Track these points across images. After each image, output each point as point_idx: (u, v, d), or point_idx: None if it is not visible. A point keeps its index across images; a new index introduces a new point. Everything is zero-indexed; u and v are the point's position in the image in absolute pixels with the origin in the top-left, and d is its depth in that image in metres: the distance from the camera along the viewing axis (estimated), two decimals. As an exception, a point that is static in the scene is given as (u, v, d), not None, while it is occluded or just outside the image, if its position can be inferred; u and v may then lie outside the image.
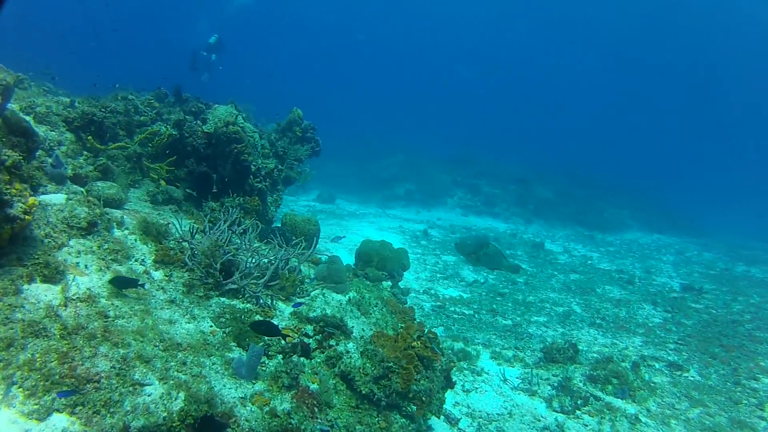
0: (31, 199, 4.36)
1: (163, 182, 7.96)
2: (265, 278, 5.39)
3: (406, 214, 24.26)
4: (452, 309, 11.85)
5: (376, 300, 6.50)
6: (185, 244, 5.53)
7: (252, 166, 8.16)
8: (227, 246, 5.43)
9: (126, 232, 5.66)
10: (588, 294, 14.83)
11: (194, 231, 5.66)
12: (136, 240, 5.58)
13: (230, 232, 5.67)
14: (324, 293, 6.04)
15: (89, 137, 7.23)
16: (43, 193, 6.20)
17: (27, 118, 7.23)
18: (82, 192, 6.23)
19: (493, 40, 62.50)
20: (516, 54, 63.36)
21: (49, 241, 4.77)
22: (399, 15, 62.55)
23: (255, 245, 6.42)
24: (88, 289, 4.45)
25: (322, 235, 12.24)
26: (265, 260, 5.76)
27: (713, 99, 58.76)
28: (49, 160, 6.59)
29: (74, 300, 4.29)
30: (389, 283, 7.30)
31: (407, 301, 7.82)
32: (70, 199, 5.28)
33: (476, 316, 11.74)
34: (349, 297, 6.20)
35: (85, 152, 7.36)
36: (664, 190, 33.00)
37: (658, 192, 32.00)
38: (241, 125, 8.16)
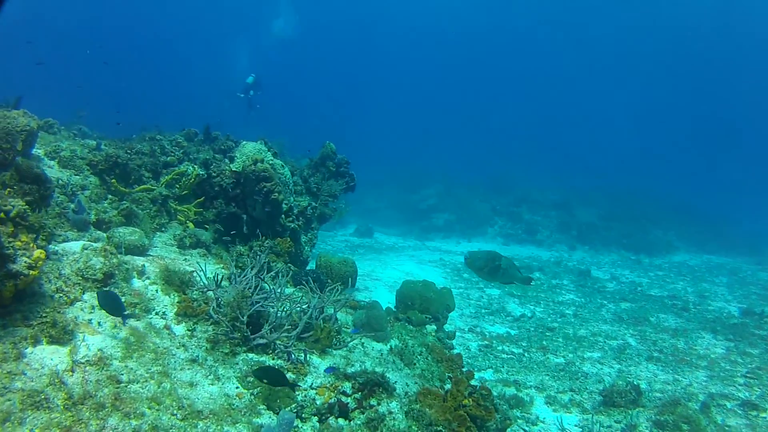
0: (37, 252, 3.93)
1: (190, 225, 7.57)
2: (297, 330, 4.84)
3: (446, 245, 23.55)
4: (500, 348, 11.06)
5: (420, 347, 5.87)
6: (210, 293, 5.03)
7: (284, 205, 7.71)
8: (255, 295, 4.91)
9: (147, 282, 5.21)
10: (642, 324, 13.80)
11: (220, 279, 5.17)
12: (157, 290, 5.11)
13: (258, 278, 5.16)
14: (363, 343, 5.45)
15: (113, 180, 6.89)
16: (64, 241, 5.84)
17: (52, 162, 6.96)
18: (104, 238, 5.84)
19: (527, 58, 61.91)
20: (549, 72, 62.61)
21: (60, 297, 4.33)
22: (431, 44, 62.78)
23: (286, 292, 5.90)
24: (99, 350, 3.96)
25: (361, 272, 11.70)
26: (298, 309, 5.21)
27: (760, 107, 56.40)
28: (72, 206, 6.25)
29: (83, 363, 3.81)
30: (434, 326, 6.67)
31: (454, 345, 7.15)
32: (86, 249, 4.86)
33: (526, 354, 10.92)
34: (391, 346, 5.59)
35: (110, 196, 7.03)
36: (711, 206, 31.37)
37: (705, 209, 30.43)
38: (270, 162, 7.75)
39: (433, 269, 17.40)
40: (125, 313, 4.21)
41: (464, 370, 5.96)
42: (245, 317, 4.63)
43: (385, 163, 35.25)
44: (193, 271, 5.57)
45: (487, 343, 11.31)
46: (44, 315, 4.01)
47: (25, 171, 4.57)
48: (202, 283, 5.16)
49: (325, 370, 4.71)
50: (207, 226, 7.83)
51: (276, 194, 7.25)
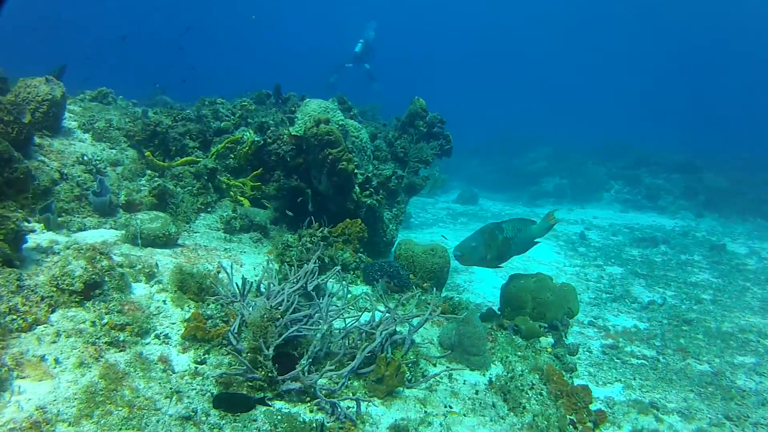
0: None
1: (246, 202, 6.22)
2: (349, 368, 3.28)
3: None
4: (629, 349, 8.84)
5: (532, 376, 4.13)
6: (237, 306, 3.59)
7: (358, 175, 6.14)
8: (290, 312, 3.39)
9: (155, 288, 3.88)
10: (804, 315, 10.84)
11: (250, 286, 3.70)
12: (165, 301, 3.76)
13: (300, 288, 3.63)
14: (451, 374, 3.80)
15: (147, 153, 5.66)
16: (80, 230, 4.68)
17: (85, 135, 5.84)
18: (134, 225, 4.59)
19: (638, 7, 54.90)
20: (665, 22, 55.26)
21: (13, 320, 3.04)
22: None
23: (355, 291, 4.36)
24: (39, 407, 2.62)
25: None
26: (354, 327, 3.66)
27: None
28: (93, 187, 5.08)
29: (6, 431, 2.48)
30: (550, 339, 4.84)
31: (576, 365, 5.28)
32: (69, 248, 3.58)
33: (661, 359, 8.62)
34: (491, 378, 3.90)
35: (149, 172, 5.82)
36: None
37: None
38: (341, 122, 6.18)
39: (544, 242, 15.11)
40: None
41: (593, 411, 4.13)
42: (271, 349, 3.12)
43: (491, 125, 32.75)
44: (219, 271, 4.16)
45: (612, 342, 9.15)
46: (-26, 353, 2.74)
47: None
48: (224, 291, 3.72)
49: (389, 430, 3.11)
50: (267, 204, 6.46)
51: (344, 163, 5.68)
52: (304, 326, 3.40)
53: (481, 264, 4.79)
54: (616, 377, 7.65)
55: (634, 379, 7.78)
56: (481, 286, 9.30)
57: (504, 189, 24.09)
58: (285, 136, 6.07)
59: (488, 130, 31.46)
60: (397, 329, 3.91)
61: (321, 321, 3.54)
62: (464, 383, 3.81)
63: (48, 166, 5.04)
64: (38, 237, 4.34)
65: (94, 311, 3.35)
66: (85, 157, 5.33)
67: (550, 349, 4.77)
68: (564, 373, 4.50)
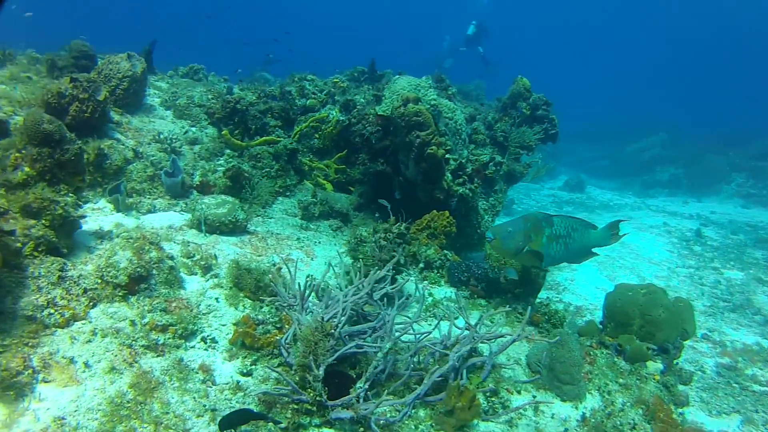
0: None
1: (328, 186, 5.84)
2: (415, 394, 2.76)
3: (672, 206, 18.82)
4: (749, 372, 7.53)
5: (634, 411, 3.40)
6: (293, 312, 3.17)
7: (451, 161, 5.52)
8: (348, 324, 2.91)
9: (209, 284, 3.55)
10: None
11: (313, 287, 3.27)
12: (219, 298, 3.42)
13: (357, 297, 3.14)
14: (537, 406, 3.16)
15: (224, 132, 5.41)
16: (149, 212, 4.50)
17: (167, 113, 5.71)
18: (199, 210, 4.35)
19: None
20: None
21: (51, 314, 2.81)
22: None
23: (440, 294, 3.81)
24: (57, 419, 2.35)
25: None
26: (430, 344, 3.13)
27: None
28: (166, 167, 4.90)
29: (18, 451, 2.22)
30: (659, 365, 4.01)
31: (688, 397, 4.39)
32: (120, 236, 3.32)
33: (791, 388, 7.27)
34: (584, 413, 3.22)
35: (228, 151, 5.58)
36: None
37: None
38: (432, 102, 5.57)
39: (655, 239, 13.48)
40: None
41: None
42: (322, 368, 2.66)
43: (598, 109, 30.43)
44: (279, 267, 3.77)
45: (729, 361, 7.85)
46: (-1, 351, 2.52)
47: (31, 129, 3.10)
48: (283, 292, 3.31)
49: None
50: (352, 189, 6.04)
51: (434, 148, 5.09)
52: (363, 342, 2.90)
53: (515, 256, 3.95)
54: (733, 407, 6.49)
55: (757, 412, 6.57)
56: (584, 287, 8.35)
57: (614, 177, 22.22)
58: (371, 115, 5.59)
59: (599, 113, 29.28)
60: (478, 347, 3.33)
61: (388, 332, 3.02)
62: (552, 417, 3.16)
63: (123, 144, 4.92)
64: (104, 219, 4.20)
65: (138, 308, 3.07)
66: (161, 136, 5.16)
67: (657, 377, 3.95)
68: (673, 407, 3.69)
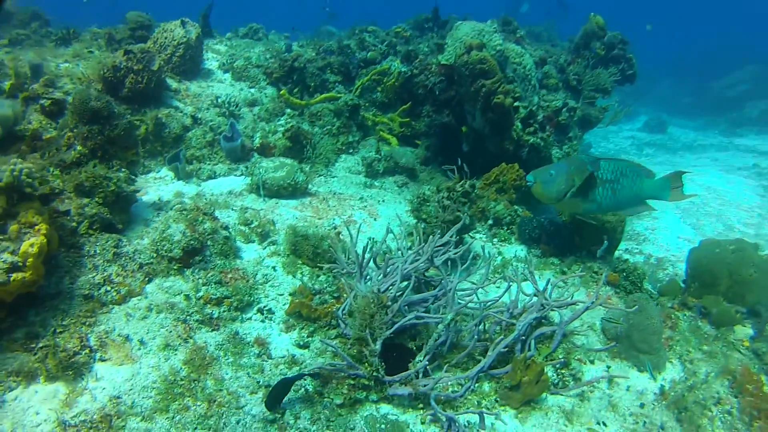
0: (26, 244, 2.41)
1: (393, 141, 5.59)
2: (479, 367, 2.55)
3: (763, 145, 16.79)
4: None
5: (719, 383, 3.01)
6: (352, 281, 3.03)
7: (521, 109, 5.10)
8: (408, 293, 2.71)
9: (267, 251, 3.47)
10: None
11: (374, 252, 3.08)
12: (276, 267, 3.33)
13: (417, 263, 2.92)
14: (611, 379, 2.87)
15: (282, 91, 5.26)
16: (209, 177, 4.49)
17: (225, 76, 5.64)
18: (257, 175, 4.26)
19: None
20: None
21: (108, 291, 2.82)
22: None
23: (506, 253, 3.53)
24: (114, 398, 2.35)
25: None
26: (495, 313, 2.90)
27: None
28: (225, 132, 4.84)
29: (74, 427, 2.23)
30: (750, 330, 3.53)
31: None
32: (174, 207, 3.28)
33: None
34: (662, 386, 2.89)
35: (288, 110, 5.44)
36: None
37: None
38: (498, 48, 5.13)
39: (744, 182, 12.02)
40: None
41: None
42: (379, 342, 2.50)
43: (681, 41, 27.66)
44: (339, 232, 3.61)
45: None
46: (58, 330, 2.54)
47: (79, 108, 3.07)
48: (342, 257, 3.15)
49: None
50: (418, 142, 5.76)
51: (500, 96, 4.69)
52: (423, 314, 2.70)
53: (557, 203, 3.57)
54: None
55: None
56: (666, 236, 7.62)
57: (698, 115, 20.18)
58: (433, 65, 5.23)
59: (682, 46, 26.60)
60: (548, 314, 3.04)
61: (447, 305, 2.80)
62: (627, 390, 2.84)
63: (181, 111, 4.88)
64: (164, 189, 4.20)
65: (193, 281, 3.02)
66: (219, 100, 5.08)
67: (747, 343, 3.48)
68: (765, 379, 3.25)
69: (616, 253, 4.22)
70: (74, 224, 2.97)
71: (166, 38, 5.22)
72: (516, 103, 5.05)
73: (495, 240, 4.22)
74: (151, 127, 4.48)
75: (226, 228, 3.32)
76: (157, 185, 4.30)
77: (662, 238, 7.37)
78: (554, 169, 3.48)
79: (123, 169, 3.26)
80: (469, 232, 3.78)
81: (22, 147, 3.29)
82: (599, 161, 3.52)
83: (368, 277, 3.05)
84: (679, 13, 41.02)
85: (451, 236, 3.13)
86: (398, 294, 2.73)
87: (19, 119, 3.64)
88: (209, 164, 4.63)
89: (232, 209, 3.90)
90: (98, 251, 2.96)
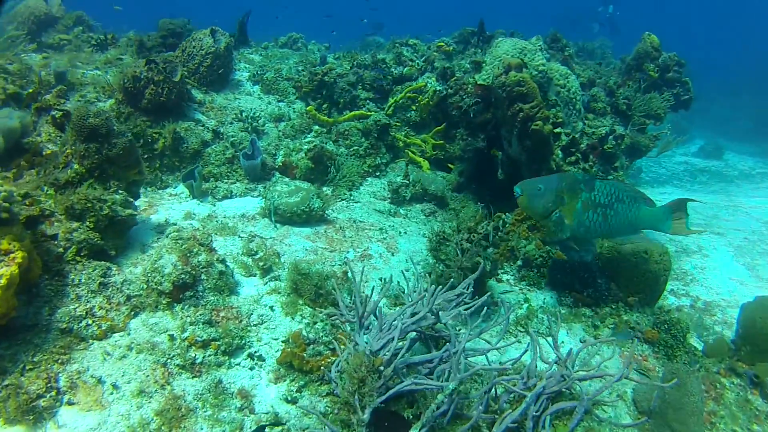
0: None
1: (424, 164, 5.32)
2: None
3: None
4: None
5: None
6: (351, 331, 2.77)
7: (563, 135, 4.76)
8: (406, 353, 2.43)
9: (267, 288, 3.25)
10: None
11: (381, 294, 2.82)
12: (275, 307, 3.10)
13: (418, 318, 2.63)
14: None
15: (309, 108, 5.06)
16: (225, 197, 4.34)
17: (254, 88, 5.50)
18: (270, 199, 4.07)
19: None
20: None
21: (88, 326, 2.66)
22: None
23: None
24: (70, 456, 2.16)
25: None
26: (505, 381, 2.60)
27: None
28: (245, 148, 4.68)
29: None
30: None
31: None
32: (169, 235, 3.10)
33: None
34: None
35: (316, 127, 5.25)
36: None
37: None
38: (540, 68, 4.80)
39: None
40: None
41: None
42: (367, 412, 2.24)
43: (743, 59, 26.24)
44: (345, 270, 3.35)
45: None
46: (27, 367, 2.39)
47: (77, 124, 2.93)
48: (344, 301, 2.89)
49: None
50: (451, 166, 5.47)
51: (539, 123, 4.36)
52: (421, 380, 2.41)
53: (542, 218, 3.36)
54: None
55: None
56: (716, 276, 6.97)
57: (758, 140, 18.89)
58: (469, 85, 4.93)
59: (744, 64, 25.19)
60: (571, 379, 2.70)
61: (456, 365, 2.50)
62: None
63: (203, 125, 4.75)
64: (176, 208, 4.06)
65: (181, 318, 2.82)
66: (243, 114, 4.92)
67: None
68: None
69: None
70: (61, 250, 2.82)
71: (194, 47, 5.11)
72: (557, 129, 4.71)
73: (523, 284, 3.89)
74: (169, 141, 4.35)
75: (223, 261, 3.11)
76: (170, 203, 4.16)
77: (712, 279, 6.79)
78: (543, 184, 3.29)
79: (120, 191, 3.11)
80: (492, 278, 3.45)
81: (21, 162, 3.19)
82: (594, 181, 3.31)
83: (370, 327, 2.79)
84: (738, 28, 39.16)
85: (465, 287, 2.83)
86: (394, 354, 2.45)
87: (28, 131, 3.55)
88: (226, 182, 4.47)
89: (239, 236, 3.70)
90: (83, 280, 2.81)
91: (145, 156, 4.40)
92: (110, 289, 2.85)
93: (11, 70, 4.36)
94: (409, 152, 5.42)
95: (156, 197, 4.32)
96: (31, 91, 4.07)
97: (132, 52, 5.63)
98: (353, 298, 2.91)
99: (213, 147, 4.61)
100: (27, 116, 3.52)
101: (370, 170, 5.09)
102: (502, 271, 4.01)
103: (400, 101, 5.58)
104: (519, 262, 3.99)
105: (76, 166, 3.03)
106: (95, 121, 2.97)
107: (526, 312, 3.50)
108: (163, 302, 2.88)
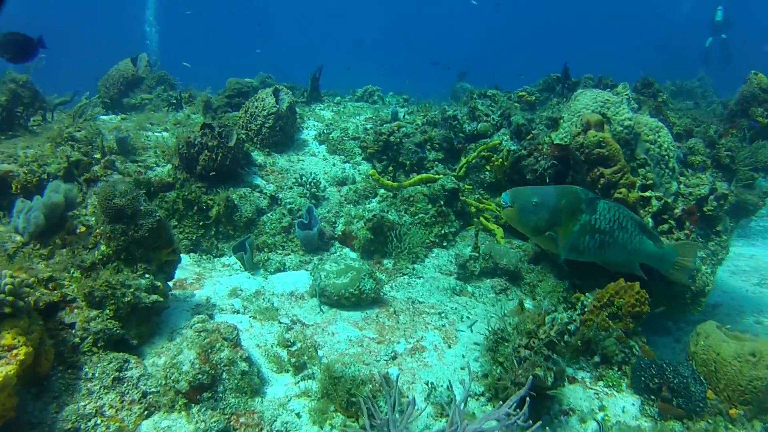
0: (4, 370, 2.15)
1: (498, 231, 4.88)
2: None
3: None
4: None
5: None
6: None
7: (653, 200, 4.17)
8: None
9: (296, 390, 2.94)
10: None
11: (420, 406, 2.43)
12: (302, 414, 2.77)
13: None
14: None
15: (372, 172, 4.81)
16: (278, 270, 4.14)
17: (320, 148, 5.37)
18: (318, 279, 3.81)
19: None
20: None
21: (97, 425, 2.48)
22: None
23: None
24: None
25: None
26: None
27: None
28: (302, 217, 4.48)
29: None
30: None
31: None
32: (193, 326, 2.88)
33: None
34: None
35: (381, 191, 4.99)
36: None
37: None
38: (627, 122, 4.27)
39: None
40: None
41: None
42: None
43: None
44: (385, 374, 2.96)
45: None
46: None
47: (103, 205, 2.83)
48: (377, 414, 2.52)
49: None
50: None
51: (623, 190, 3.83)
52: None
53: (532, 236, 3.19)
54: None
55: None
56: None
57: None
58: (544, 145, 4.47)
59: None
60: None
61: None
62: None
63: (261, 190, 4.62)
64: (224, 282, 3.89)
65: (196, 423, 2.56)
66: (303, 178, 4.75)
67: None
68: None
69: None
70: (77, 340, 2.68)
71: (256, 107, 5.05)
72: (647, 193, 4.14)
73: (600, 384, 3.33)
74: (222, 209, 4.23)
75: (247, 359, 2.84)
76: (219, 276, 4.00)
77: None
78: (540, 197, 3.00)
79: (147, 275, 2.95)
80: (556, 389, 2.93)
81: (56, 240, 3.12)
82: (598, 202, 3.07)
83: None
84: None
85: (511, 407, 2.36)
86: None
87: (74, 204, 3.52)
88: (280, 254, 4.26)
89: (279, 321, 3.44)
90: (97, 374, 2.64)
91: (201, 223, 4.32)
92: (125, 385, 2.66)
93: (78, 137, 4.46)
94: (482, 218, 5.00)
95: (208, 267, 4.19)
96: (85, 160, 4.11)
97: (201, 111, 5.69)
98: (394, 408, 2.52)
99: (269, 215, 4.45)
100: (74, 189, 3.50)
101: (437, 240, 4.72)
102: (577, 366, 3.47)
103: (473, 161, 5.20)
104: (597, 358, 3.43)
105: (103, 248, 2.92)
106: (121, 202, 2.85)
107: (600, 425, 2.92)
108: (180, 402, 2.64)
